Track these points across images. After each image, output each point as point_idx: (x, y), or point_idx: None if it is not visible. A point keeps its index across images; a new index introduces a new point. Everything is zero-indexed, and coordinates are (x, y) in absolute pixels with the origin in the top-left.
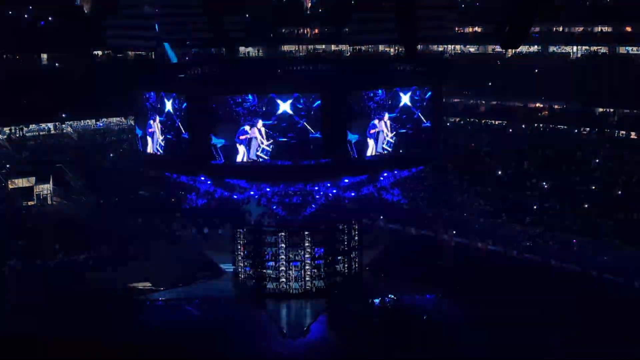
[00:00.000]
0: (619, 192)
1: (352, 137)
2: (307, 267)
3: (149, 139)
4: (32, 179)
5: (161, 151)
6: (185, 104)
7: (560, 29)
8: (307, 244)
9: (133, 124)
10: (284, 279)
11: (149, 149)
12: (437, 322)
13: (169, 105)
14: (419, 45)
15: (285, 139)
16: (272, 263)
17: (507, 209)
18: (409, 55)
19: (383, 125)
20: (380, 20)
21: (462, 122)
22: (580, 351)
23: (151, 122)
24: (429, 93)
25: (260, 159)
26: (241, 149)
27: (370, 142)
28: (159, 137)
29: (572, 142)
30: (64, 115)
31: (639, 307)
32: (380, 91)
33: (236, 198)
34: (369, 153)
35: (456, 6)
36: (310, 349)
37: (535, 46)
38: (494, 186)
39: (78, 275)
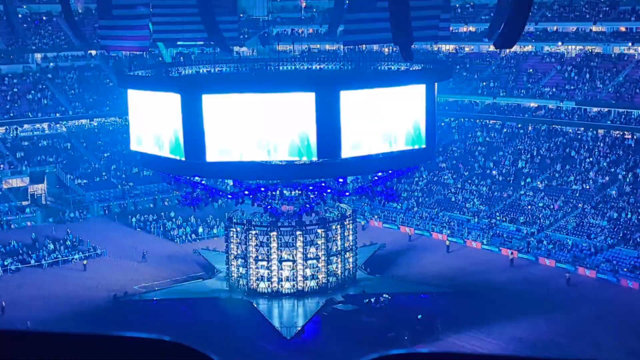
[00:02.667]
0: (614, 192)
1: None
2: (301, 267)
3: (142, 139)
4: (27, 179)
5: (154, 151)
6: (178, 103)
7: (555, 28)
8: (300, 243)
9: (128, 123)
10: (278, 279)
11: (142, 149)
12: (432, 322)
13: (161, 104)
14: (414, 45)
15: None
16: (265, 262)
17: (501, 208)
18: (404, 55)
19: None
20: (375, 20)
21: (457, 122)
22: (574, 347)
23: (145, 121)
24: (424, 92)
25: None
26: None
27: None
28: (152, 136)
29: (566, 141)
30: (58, 115)
31: (631, 306)
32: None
33: (230, 197)
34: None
35: (450, 6)
36: (304, 349)
37: (530, 45)
38: (489, 185)
39: (72, 274)
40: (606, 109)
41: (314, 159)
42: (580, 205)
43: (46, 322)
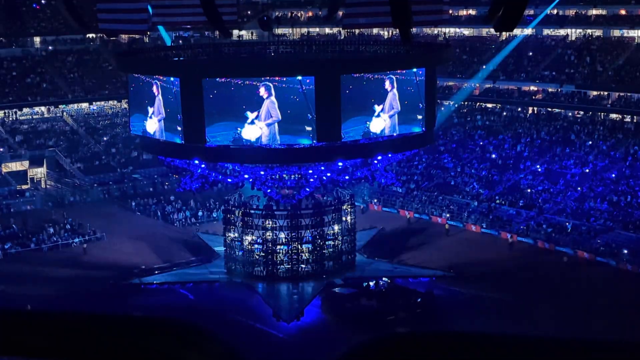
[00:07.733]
0: (613, 176)
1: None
2: (299, 251)
3: (143, 122)
4: (26, 163)
5: (154, 134)
6: (178, 87)
7: (555, 11)
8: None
9: (127, 107)
10: (277, 263)
11: (142, 132)
12: (432, 305)
13: (160, 88)
14: (413, 29)
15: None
16: (264, 246)
17: (501, 191)
18: (404, 39)
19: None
20: (374, 4)
21: (456, 105)
22: (570, 328)
23: (145, 105)
24: (423, 75)
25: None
26: None
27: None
28: (152, 120)
29: (566, 125)
30: (57, 98)
31: (630, 289)
32: (375, 74)
33: (230, 181)
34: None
35: None
36: (304, 333)
37: (530, 29)
38: (488, 169)
39: (72, 258)
40: (606, 93)
41: (314, 142)
42: (579, 188)
43: (46, 305)
